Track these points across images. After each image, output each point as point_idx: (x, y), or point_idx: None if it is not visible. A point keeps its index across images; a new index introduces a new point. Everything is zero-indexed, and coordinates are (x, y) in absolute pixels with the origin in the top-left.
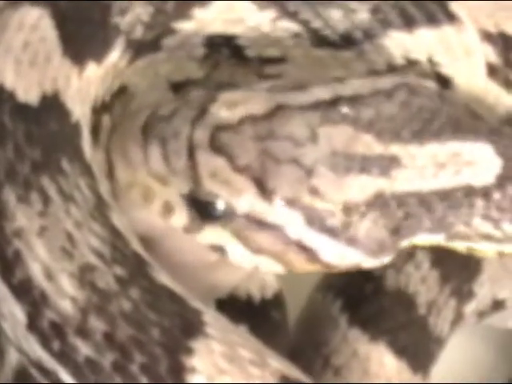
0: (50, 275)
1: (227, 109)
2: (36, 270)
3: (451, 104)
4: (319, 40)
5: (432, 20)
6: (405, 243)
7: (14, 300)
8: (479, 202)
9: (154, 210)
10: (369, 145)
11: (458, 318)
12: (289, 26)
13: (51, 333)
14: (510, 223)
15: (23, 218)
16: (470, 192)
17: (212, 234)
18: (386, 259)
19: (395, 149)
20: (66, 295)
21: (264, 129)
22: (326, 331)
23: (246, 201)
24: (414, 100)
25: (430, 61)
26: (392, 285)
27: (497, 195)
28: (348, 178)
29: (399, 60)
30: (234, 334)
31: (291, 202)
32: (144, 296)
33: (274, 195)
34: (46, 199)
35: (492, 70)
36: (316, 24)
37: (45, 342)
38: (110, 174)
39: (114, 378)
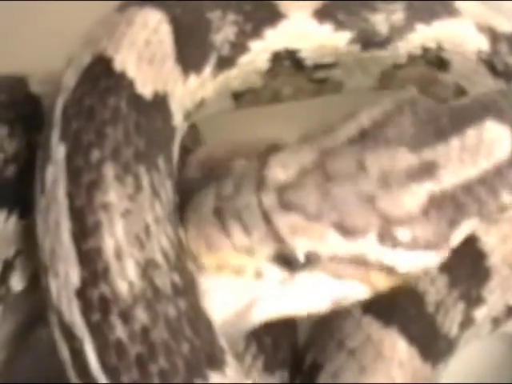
0: (119, 255)
1: (282, 170)
2: (108, 245)
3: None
4: (367, 44)
5: (442, 13)
6: (459, 234)
7: (76, 263)
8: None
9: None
10: (407, 158)
11: (467, 322)
12: (343, 34)
13: (97, 305)
14: None
15: (115, 195)
16: (499, 169)
17: (304, 279)
18: (446, 252)
19: (428, 154)
20: (126, 278)
21: (320, 175)
22: (340, 319)
23: (329, 244)
24: (418, 108)
25: (438, 47)
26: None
27: None
28: (403, 191)
29: (418, 50)
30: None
31: (366, 231)
32: (188, 311)
33: (353, 232)
34: (138, 186)
35: (483, 57)
36: (365, 29)
37: (86, 311)
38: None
39: (131, 370)
